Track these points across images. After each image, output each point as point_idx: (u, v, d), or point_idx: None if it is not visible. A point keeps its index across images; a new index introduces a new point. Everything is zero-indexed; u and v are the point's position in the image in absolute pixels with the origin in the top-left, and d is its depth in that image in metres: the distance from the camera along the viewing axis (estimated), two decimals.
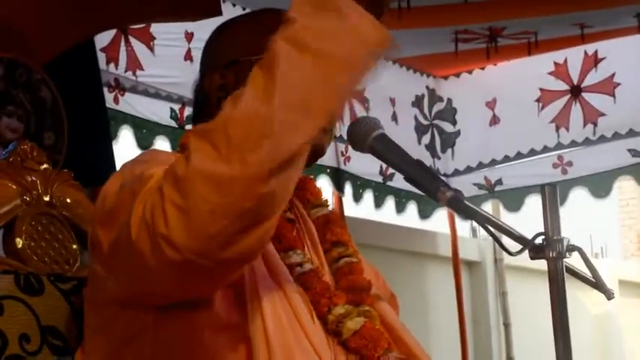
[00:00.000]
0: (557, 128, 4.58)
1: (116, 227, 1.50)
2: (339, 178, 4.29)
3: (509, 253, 1.60)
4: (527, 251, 1.56)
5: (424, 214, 4.78)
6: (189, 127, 3.38)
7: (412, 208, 4.72)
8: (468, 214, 1.64)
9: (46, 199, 1.83)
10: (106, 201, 1.56)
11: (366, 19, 1.48)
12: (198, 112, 1.81)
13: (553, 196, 1.56)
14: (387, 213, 4.70)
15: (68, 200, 1.86)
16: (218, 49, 1.80)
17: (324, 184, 4.22)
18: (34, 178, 1.83)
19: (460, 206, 1.63)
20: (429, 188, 1.64)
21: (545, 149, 4.62)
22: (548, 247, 1.53)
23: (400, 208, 4.65)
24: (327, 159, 4.12)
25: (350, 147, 4.26)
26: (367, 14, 1.48)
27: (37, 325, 1.70)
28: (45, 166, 1.86)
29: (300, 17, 1.45)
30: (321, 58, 1.44)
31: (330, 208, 1.87)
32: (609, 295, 1.59)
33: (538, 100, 4.62)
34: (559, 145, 4.59)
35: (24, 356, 1.68)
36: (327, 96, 1.45)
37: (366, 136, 1.69)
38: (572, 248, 1.55)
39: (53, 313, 1.72)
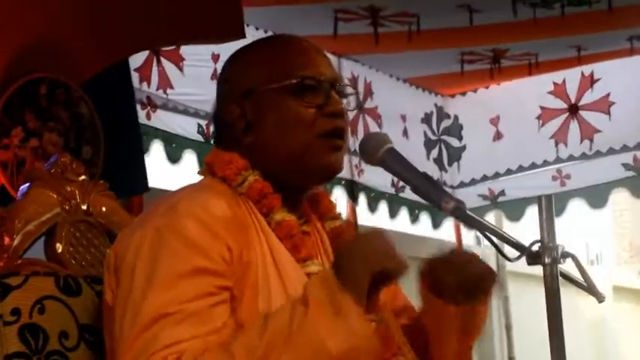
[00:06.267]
0: (557, 143, 4.58)
1: (116, 314, 1.59)
2: (352, 189, 4.30)
3: (508, 259, 1.61)
4: (524, 257, 1.57)
5: (436, 224, 4.79)
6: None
7: (425, 218, 4.72)
8: (470, 222, 1.65)
9: (84, 207, 1.84)
10: (124, 262, 1.61)
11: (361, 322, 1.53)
12: (221, 136, 1.80)
13: (549, 206, 1.57)
14: (402, 223, 4.71)
15: (104, 209, 1.87)
16: (234, 78, 1.78)
17: (339, 195, 4.23)
18: (72, 189, 1.83)
19: (463, 215, 1.64)
20: (434, 198, 1.66)
21: (545, 163, 4.61)
22: (544, 254, 1.54)
23: (413, 218, 4.66)
24: (342, 172, 4.14)
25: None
26: (363, 316, 1.54)
27: (75, 323, 1.71)
28: (83, 177, 1.86)
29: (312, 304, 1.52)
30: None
31: (344, 218, 1.87)
32: (600, 299, 1.60)
33: (538, 118, 4.61)
34: (558, 159, 4.59)
35: (63, 352, 1.69)
36: None
37: (376, 150, 1.72)
38: (566, 255, 1.55)
39: (89, 312, 1.73)
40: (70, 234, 1.81)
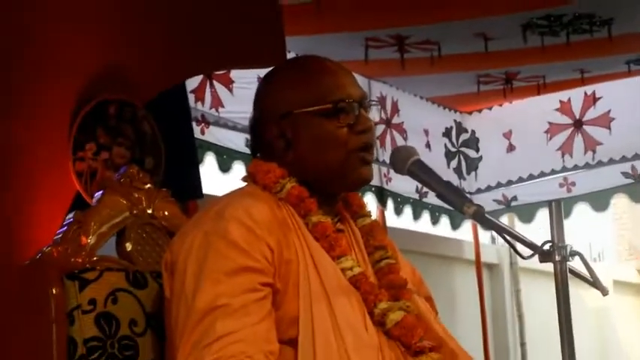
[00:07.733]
0: (563, 155, 4.58)
1: (173, 307, 1.62)
2: (382, 195, 4.31)
3: (522, 257, 1.60)
4: (537, 255, 1.57)
5: (455, 225, 4.80)
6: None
7: (445, 220, 4.73)
8: (489, 225, 1.65)
9: (149, 212, 1.85)
10: (178, 262, 1.63)
11: None
12: (261, 150, 1.81)
13: (558, 210, 1.58)
14: (424, 224, 4.72)
15: (166, 213, 1.88)
16: (270, 100, 1.78)
17: (370, 200, 4.24)
18: (140, 195, 1.85)
19: (482, 218, 1.64)
20: (457, 203, 1.66)
21: (553, 172, 4.61)
22: (555, 252, 1.54)
23: (434, 220, 4.67)
24: (373, 180, 4.15)
25: (391, 169, 4.33)
26: None
27: (143, 312, 1.73)
28: (148, 185, 1.87)
29: None
30: None
31: (373, 218, 1.87)
32: (604, 292, 1.60)
33: (547, 132, 4.61)
34: (564, 169, 4.58)
35: (132, 337, 1.71)
36: None
37: (405, 162, 1.72)
38: (574, 253, 1.55)
39: (155, 302, 1.74)
40: (138, 235, 1.83)
